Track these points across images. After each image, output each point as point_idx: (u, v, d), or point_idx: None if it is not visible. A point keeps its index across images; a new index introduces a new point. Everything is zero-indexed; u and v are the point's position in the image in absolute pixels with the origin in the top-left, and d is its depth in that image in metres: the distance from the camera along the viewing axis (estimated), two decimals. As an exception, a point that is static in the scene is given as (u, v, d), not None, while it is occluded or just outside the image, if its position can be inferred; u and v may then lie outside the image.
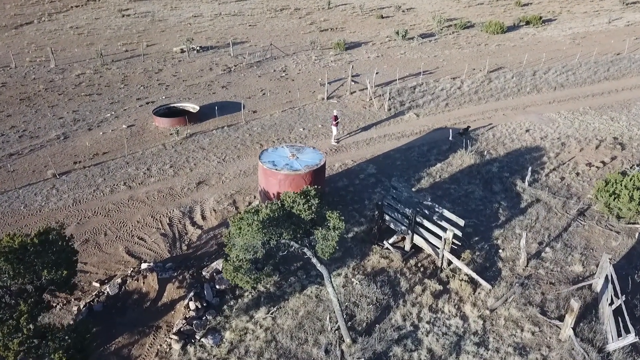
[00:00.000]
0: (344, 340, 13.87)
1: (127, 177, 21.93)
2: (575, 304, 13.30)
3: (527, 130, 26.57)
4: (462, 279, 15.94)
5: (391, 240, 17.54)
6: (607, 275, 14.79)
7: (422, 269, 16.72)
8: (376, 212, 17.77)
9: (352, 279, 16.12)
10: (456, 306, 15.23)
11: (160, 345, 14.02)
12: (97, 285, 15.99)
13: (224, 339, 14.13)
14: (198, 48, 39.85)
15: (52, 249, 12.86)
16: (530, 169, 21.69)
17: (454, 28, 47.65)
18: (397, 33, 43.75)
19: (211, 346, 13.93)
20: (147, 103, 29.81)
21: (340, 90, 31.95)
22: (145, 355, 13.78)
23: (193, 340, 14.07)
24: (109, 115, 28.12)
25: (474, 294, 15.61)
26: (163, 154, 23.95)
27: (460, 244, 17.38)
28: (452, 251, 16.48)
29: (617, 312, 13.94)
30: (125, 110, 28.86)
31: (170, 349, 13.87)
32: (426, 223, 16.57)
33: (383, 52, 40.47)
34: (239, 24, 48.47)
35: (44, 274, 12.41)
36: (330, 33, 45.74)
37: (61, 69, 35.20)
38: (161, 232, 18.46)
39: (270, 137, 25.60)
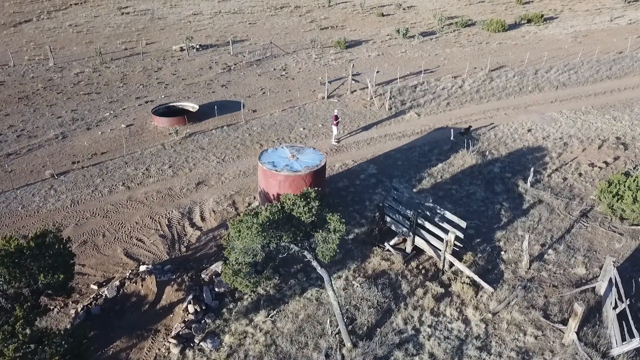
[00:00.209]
0: (344, 345, 13.70)
1: (125, 177, 21.75)
2: (579, 308, 13.12)
3: (529, 130, 26.37)
4: (464, 282, 15.77)
5: (392, 242, 17.36)
6: (611, 279, 14.61)
7: (423, 272, 16.55)
8: (377, 214, 17.59)
9: (353, 282, 15.95)
10: (458, 309, 15.05)
11: (159, 349, 13.86)
12: (95, 287, 15.82)
13: (223, 343, 13.97)
14: (197, 46, 39.62)
15: (49, 253, 12.70)
16: (532, 169, 21.50)
17: (455, 26, 47.40)
18: (398, 31, 43.49)
19: (210, 350, 13.76)
20: (146, 102, 29.61)
21: (340, 89, 31.74)
22: (144, 360, 13.64)
23: (192, 344, 13.91)
24: (107, 114, 27.93)
25: (476, 297, 15.43)
26: (162, 154, 23.76)
27: (462, 245, 17.21)
28: (454, 253, 16.31)
29: (621, 316, 13.77)
30: (124, 109, 28.66)
31: (168, 353, 13.71)
32: (428, 225, 16.39)
33: (384, 50, 40.24)
34: (239, 22, 48.21)
35: (40, 278, 12.26)
36: (330, 31, 45.50)
37: (60, 67, 34.98)
38: (160, 234, 18.28)
39: (270, 137, 25.40)
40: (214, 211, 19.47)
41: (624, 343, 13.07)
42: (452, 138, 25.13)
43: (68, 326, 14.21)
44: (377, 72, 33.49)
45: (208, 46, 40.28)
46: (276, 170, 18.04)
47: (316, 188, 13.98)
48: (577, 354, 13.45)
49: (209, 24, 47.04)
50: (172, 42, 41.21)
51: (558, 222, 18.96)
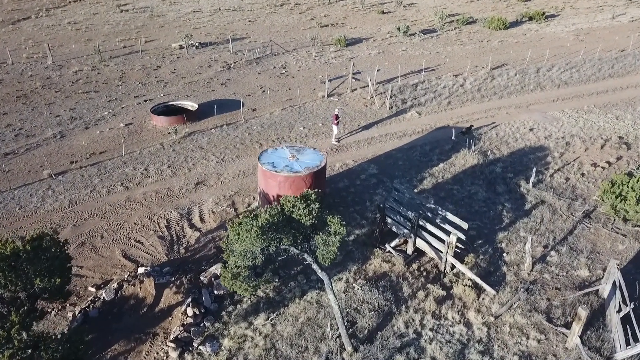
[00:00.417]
0: (345, 349, 13.53)
1: (124, 177, 21.55)
2: (583, 312, 12.95)
3: (531, 129, 26.16)
4: (466, 284, 15.59)
5: (393, 244, 17.18)
6: (614, 281, 14.42)
7: (424, 274, 16.37)
8: (378, 215, 17.41)
9: (354, 284, 15.77)
10: (460, 312, 14.88)
11: (157, 353, 13.69)
12: (93, 290, 15.65)
13: (222, 347, 13.80)
14: (197, 44, 39.38)
15: (45, 256, 12.49)
16: (534, 169, 21.29)
17: (456, 24, 47.14)
18: (399, 29, 43.22)
19: (209, 354, 13.60)
20: (145, 101, 29.38)
21: (341, 87, 31.52)
22: (142, 364, 13.47)
23: (191, 348, 13.74)
24: (106, 113, 27.71)
25: (478, 299, 15.25)
26: (161, 153, 23.55)
27: (463, 247, 17.03)
28: (456, 255, 16.12)
29: (625, 320, 13.59)
30: (122, 108, 28.45)
31: (167, 357, 13.54)
32: (429, 226, 16.20)
33: (384, 48, 39.99)
34: (239, 19, 47.95)
35: (36, 281, 12.06)
36: (330, 29, 45.24)
37: (58, 65, 34.74)
38: (159, 235, 18.10)
39: (270, 136, 25.19)
40: (213, 212, 19.28)
41: (628, 347, 12.90)
42: (453, 137, 24.92)
43: (66, 329, 14.04)
44: (378, 70, 33.27)
45: (207, 44, 40.04)
46: (276, 171, 17.84)
47: (316, 189, 13.79)
48: (580, 358, 13.29)
49: (209, 22, 46.78)
50: (171, 39, 40.97)
51: (560, 223, 18.78)
